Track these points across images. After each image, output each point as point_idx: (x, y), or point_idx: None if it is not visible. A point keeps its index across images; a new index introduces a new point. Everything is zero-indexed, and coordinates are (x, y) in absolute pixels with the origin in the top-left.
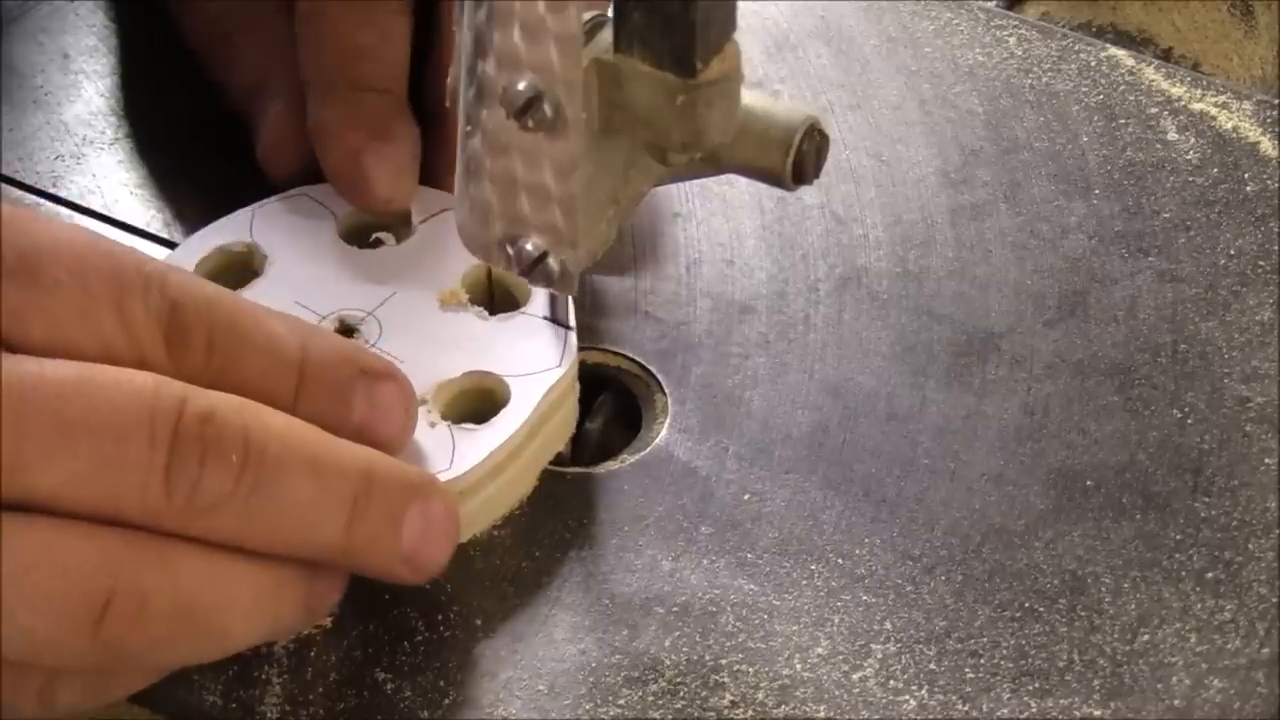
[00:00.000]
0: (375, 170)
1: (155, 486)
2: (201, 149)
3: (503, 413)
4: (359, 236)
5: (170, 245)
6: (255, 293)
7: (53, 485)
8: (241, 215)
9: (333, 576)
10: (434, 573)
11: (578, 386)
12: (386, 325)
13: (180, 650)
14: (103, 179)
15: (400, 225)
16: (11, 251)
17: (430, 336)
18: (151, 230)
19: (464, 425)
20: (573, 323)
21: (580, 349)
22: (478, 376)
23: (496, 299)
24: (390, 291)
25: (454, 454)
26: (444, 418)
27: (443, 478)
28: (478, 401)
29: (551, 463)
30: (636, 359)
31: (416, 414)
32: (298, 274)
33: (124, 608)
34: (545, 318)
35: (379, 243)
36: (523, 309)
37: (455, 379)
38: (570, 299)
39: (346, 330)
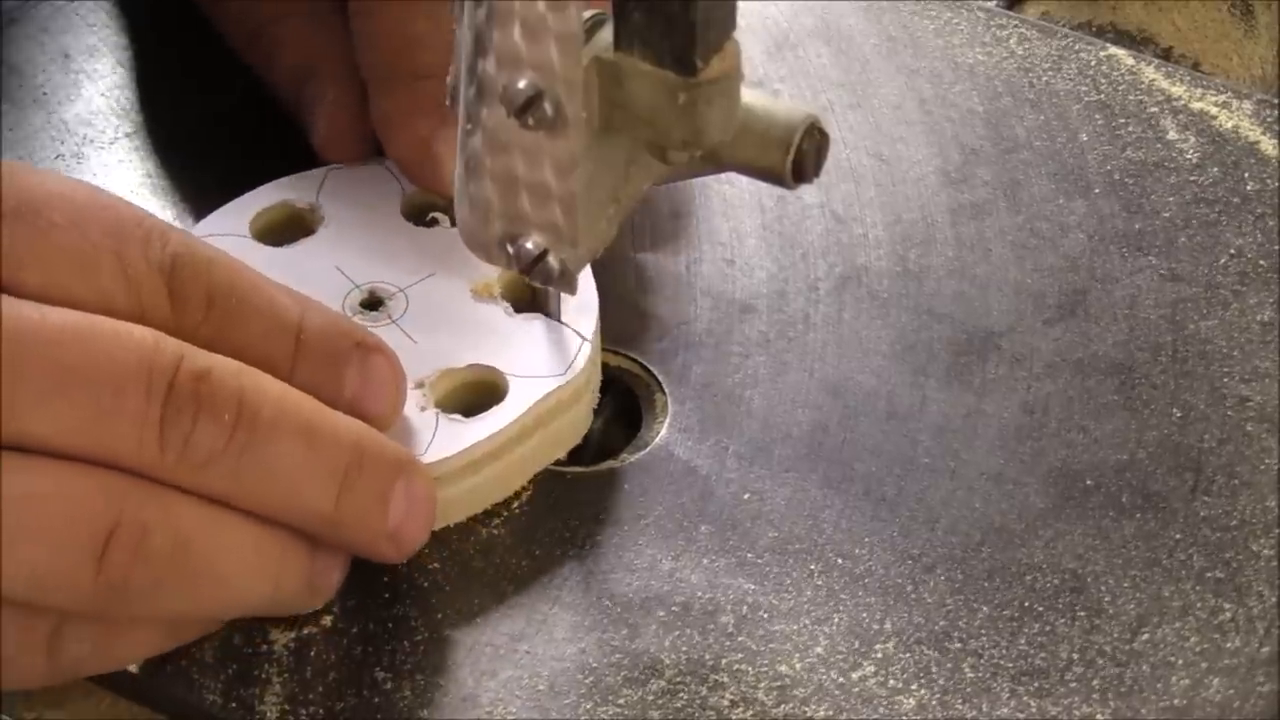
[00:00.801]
0: (447, 155)
1: (149, 439)
2: (202, 148)
3: (492, 410)
4: (419, 214)
5: None
6: (298, 251)
7: (47, 431)
8: (315, 174)
9: (334, 554)
10: (412, 551)
11: (595, 396)
12: (413, 304)
13: (181, 595)
14: (104, 178)
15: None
16: (11, 197)
17: (451, 323)
18: None
19: (452, 415)
20: (589, 334)
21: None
22: (481, 370)
23: (535, 299)
24: (430, 272)
25: (433, 441)
26: (440, 405)
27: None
28: (477, 394)
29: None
30: (637, 358)
31: (406, 392)
32: (346, 240)
33: (126, 542)
34: (560, 321)
35: (435, 222)
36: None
37: (459, 369)
38: (596, 314)
39: (375, 301)
